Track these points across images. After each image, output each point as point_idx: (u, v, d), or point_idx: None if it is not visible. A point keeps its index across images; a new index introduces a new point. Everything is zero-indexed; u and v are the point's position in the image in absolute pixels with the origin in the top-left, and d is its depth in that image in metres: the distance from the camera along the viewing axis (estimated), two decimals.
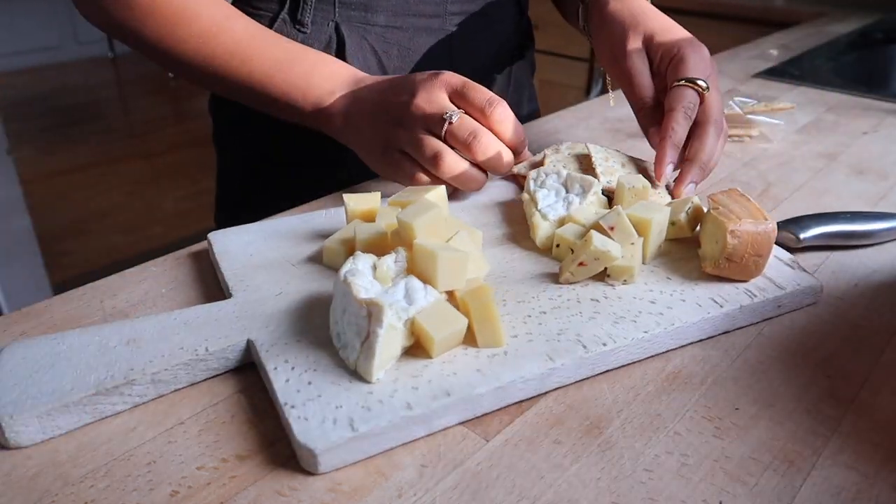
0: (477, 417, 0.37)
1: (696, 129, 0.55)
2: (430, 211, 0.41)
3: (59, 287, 1.93)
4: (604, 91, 1.86)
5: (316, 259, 0.48)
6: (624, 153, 0.60)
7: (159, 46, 0.57)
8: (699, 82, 0.54)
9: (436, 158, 0.52)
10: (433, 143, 0.52)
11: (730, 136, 0.76)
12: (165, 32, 0.56)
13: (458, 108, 0.53)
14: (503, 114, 0.53)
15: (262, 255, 0.48)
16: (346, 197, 0.49)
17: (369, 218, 0.48)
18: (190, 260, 0.51)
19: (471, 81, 0.53)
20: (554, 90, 2.10)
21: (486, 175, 0.55)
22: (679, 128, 0.53)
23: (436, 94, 0.53)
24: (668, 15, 0.60)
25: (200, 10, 0.56)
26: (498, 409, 0.37)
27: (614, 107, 0.86)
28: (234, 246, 0.49)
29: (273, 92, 0.58)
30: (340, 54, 0.68)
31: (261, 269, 0.46)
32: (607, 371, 0.40)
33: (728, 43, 1.32)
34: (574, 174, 0.52)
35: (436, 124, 0.52)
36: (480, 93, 0.53)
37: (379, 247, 0.44)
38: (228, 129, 0.77)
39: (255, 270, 0.46)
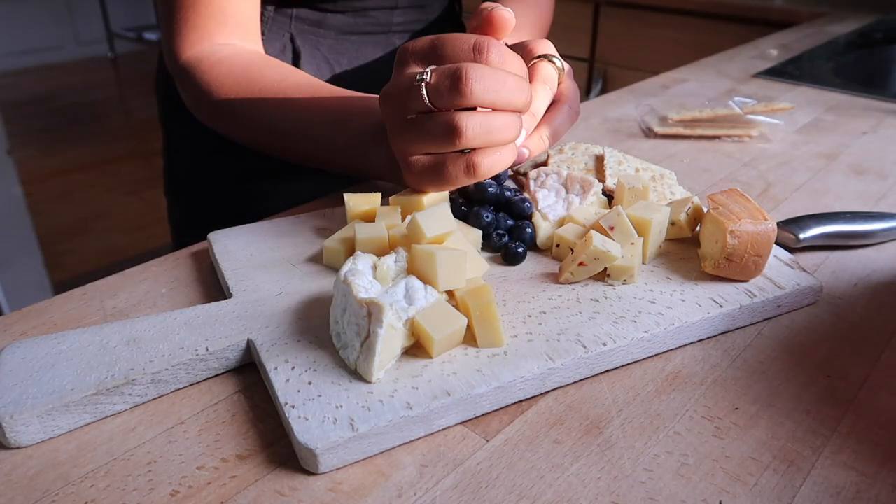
0: (477, 417, 0.37)
1: (551, 104, 0.51)
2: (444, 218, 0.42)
3: (59, 287, 1.94)
4: (604, 91, 1.86)
5: (316, 259, 0.48)
6: (639, 158, 0.60)
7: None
8: (555, 60, 0.50)
9: (448, 129, 0.39)
10: (434, 118, 0.40)
11: (730, 136, 0.76)
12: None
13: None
14: (500, 55, 0.40)
15: (262, 255, 0.48)
16: (347, 197, 0.49)
17: (369, 218, 0.49)
18: (190, 260, 0.51)
19: (444, 35, 0.41)
20: None
21: (521, 122, 0.43)
22: (538, 100, 0.48)
23: (403, 71, 0.41)
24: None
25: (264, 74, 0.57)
26: (498, 409, 0.37)
27: (614, 107, 0.86)
28: (234, 246, 0.49)
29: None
30: (296, 62, 0.71)
31: (261, 269, 0.46)
32: (607, 371, 0.40)
33: (728, 43, 1.32)
34: (574, 174, 0.52)
35: (413, 97, 0.40)
36: (460, 41, 0.40)
37: (379, 247, 0.44)
38: (174, 107, 0.78)
39: (255, 270, 0.46)
